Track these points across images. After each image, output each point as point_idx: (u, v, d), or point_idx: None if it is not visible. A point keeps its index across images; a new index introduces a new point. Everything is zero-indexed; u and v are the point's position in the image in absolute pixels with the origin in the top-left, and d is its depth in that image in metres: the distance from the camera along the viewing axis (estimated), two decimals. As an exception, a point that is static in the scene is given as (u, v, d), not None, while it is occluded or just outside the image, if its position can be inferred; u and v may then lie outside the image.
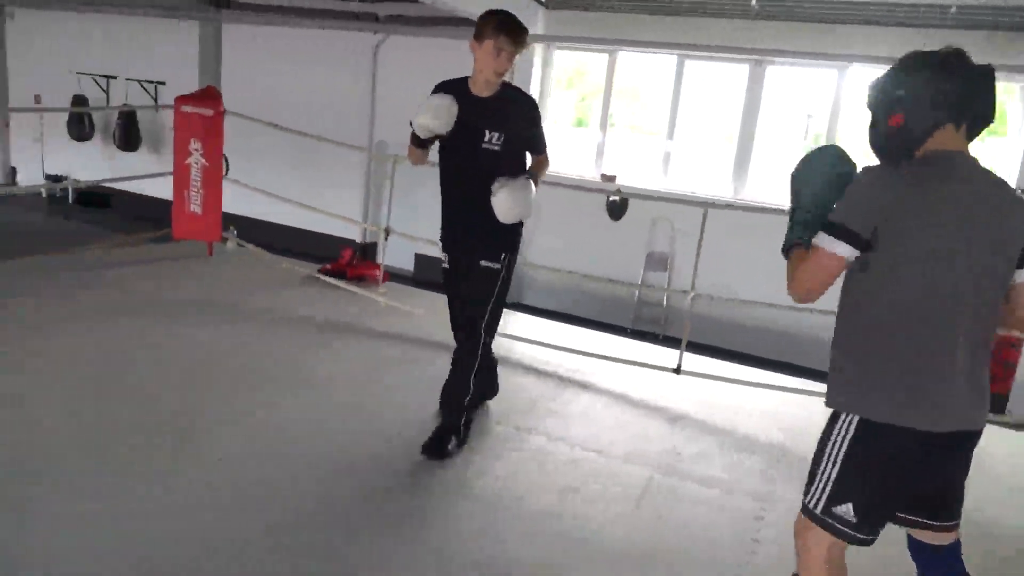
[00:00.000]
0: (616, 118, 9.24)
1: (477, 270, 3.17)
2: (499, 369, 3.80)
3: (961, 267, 1.69)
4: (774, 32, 7.59)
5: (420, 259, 9.09)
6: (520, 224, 3.21)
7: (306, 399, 3.69)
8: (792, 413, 4.13)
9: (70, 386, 3.52)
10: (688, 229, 7.95)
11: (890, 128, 1.79)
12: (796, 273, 1.84)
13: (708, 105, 8.82)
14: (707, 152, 9.08)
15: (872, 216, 1.71)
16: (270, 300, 5.16)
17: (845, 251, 1.74)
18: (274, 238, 7.35)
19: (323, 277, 5.65)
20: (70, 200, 12.65)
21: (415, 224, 5.70)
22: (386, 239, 5.37)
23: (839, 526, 1.78)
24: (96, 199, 12.29)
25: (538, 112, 3.19)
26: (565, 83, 9.70)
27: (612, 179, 8.70)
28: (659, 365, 4.58)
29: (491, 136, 3.04)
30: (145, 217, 10.90)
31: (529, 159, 3.26)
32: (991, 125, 1.82)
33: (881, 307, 1.75)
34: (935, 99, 1.73)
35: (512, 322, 5.42)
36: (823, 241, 1.76)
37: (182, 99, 5.18)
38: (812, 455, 1.88)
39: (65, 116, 11.92)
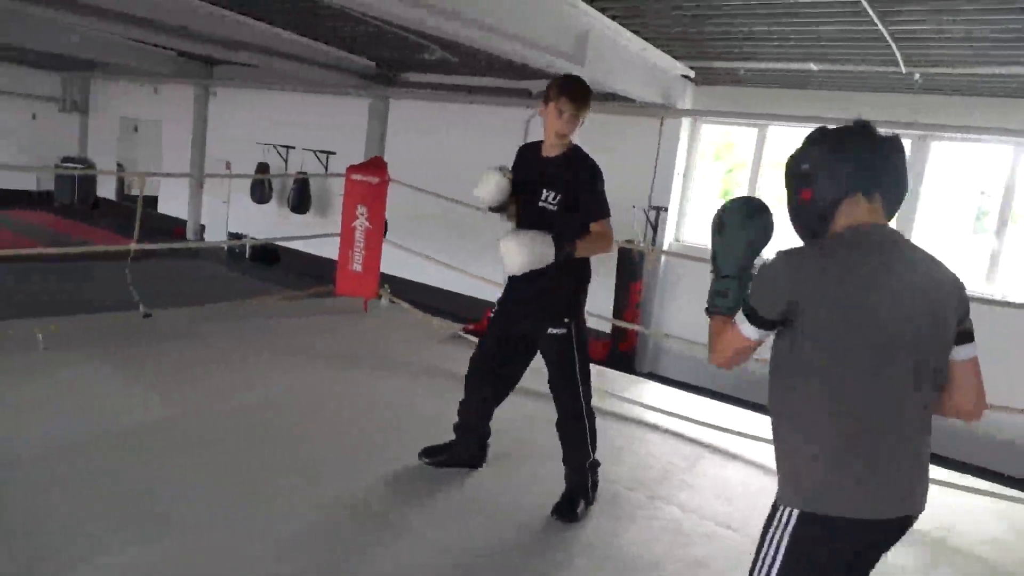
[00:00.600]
0: (765, 191, 9.10)
1: (547, 340, 3.19)
2: (633, 434, 3.80)
3: (888, 347, 1.59)
4: (939, 106, 7.28)
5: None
6: (578, 288, 3.20)
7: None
8: (945, 511, 3.80)
9: (221, 420, 3.89)
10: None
11: (800, 202, 1.76)
12: (714, 343, 1.84)
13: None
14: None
15: (780, 302, 1.64)
16: (416, 354, 5.46)
17: (754, 334, 1.71)
18: (423, 297, 7.78)
19: (466, 336, 5.91)
20: (247, 255, 13.99)
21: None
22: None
23: None
24: (268, 255, 13.55)
25: (594, 177, 3.09)
26: (712, 156, 9.71)
27: (757, 253, 8.53)
28: None
29: (547, 195, 3.08)
30: (308, 273, 11.91)
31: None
32: (905, 196, 1.76)
33: (812, 393, 1.63)
34: (837, 170, 1.69)
35: (646, 391, 5.41)
36: (742, 326, 1.73)
37: (353, 168, 5.74)
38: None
39: (249, 180, 13.34)
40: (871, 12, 5.10)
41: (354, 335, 5.83)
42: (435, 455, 3.56)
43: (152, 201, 16.97)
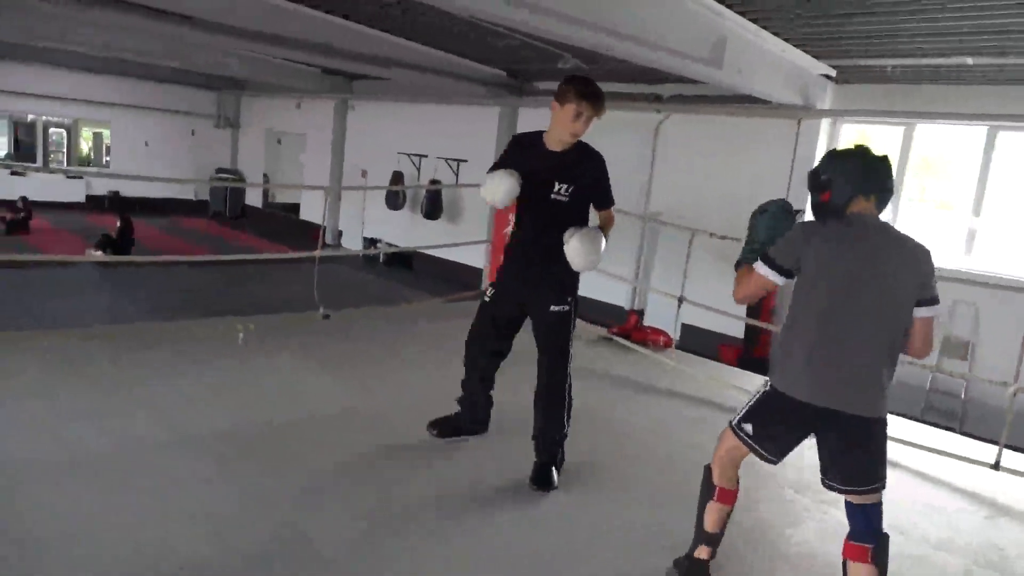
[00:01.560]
0: (907, 192, 8.70)
1: (548, 316, 3.38)
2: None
3: (856, 289, 2.39)
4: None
5: (686, 328, 9.21)
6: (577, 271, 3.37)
7: (611, 447, 4.03)
8: None
9: (404, 409, 4.21)
10: (996, 314, 7.22)
11: (821, 202, 2.51)
12: (740, 285, 2.64)
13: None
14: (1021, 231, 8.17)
15: (794, 254, 2.47)
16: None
17: (773, 276, 2.51)
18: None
19: (615, 337, 6.06)
20: (381, 260, 14.73)
21: (681, 291, 5.86)
22: (679, 307, 5.61)
23: (741, 435, 2.59)
24: (401, 260, 14.21)
25: (605, 168, 3.36)
26: (848, 156, 9.38)
27: (904, 256, 8.19)
28: (972, 458, 4.26)
29: (560, 187, 3.24)
30: (442, 277, 12.44)
31: (594, 215, 3.41)
32: (891, 196, 2.55)
33: (799, 312, 2.50)
34: (847, 179, 2.47)
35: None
36: (760, 268, 2.53)
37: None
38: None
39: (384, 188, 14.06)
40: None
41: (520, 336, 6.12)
42: (440, 427, 3.79)
43: (295, 208, 18.19)
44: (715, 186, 9.43)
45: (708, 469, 2.73)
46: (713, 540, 2.73)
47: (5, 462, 3.04)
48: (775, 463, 2.63)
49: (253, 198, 19.38)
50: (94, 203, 17.64)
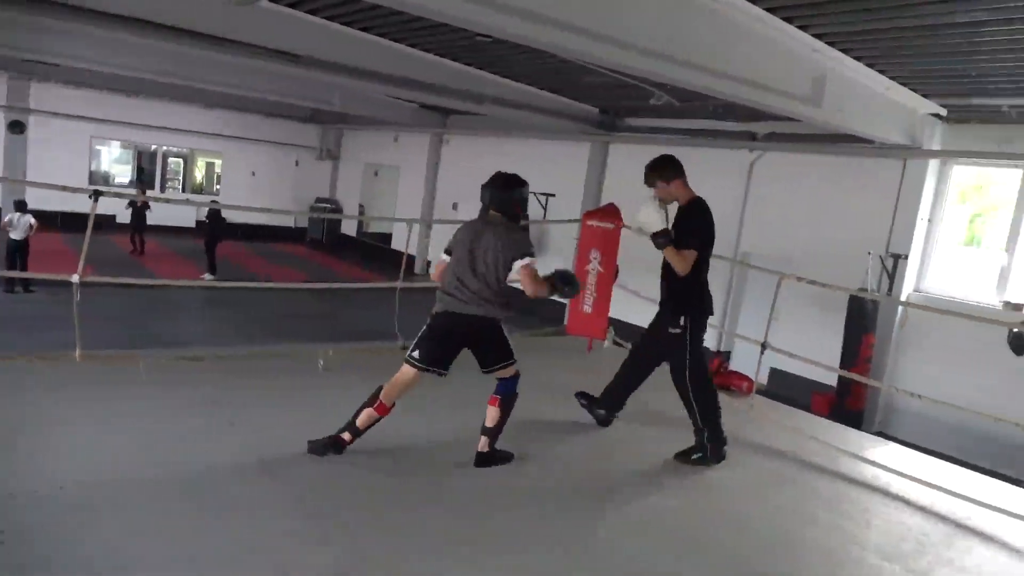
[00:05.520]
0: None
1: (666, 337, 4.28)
2: (882, 503, 3.56)
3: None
4: None
5: (775, 373, 8.82)
6: (692, 292, 4.23)
7: (696, 501, 3.88)
8: None
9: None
10: None
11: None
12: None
13: None
14: None
15: None
16: (644, 396, 5.53)
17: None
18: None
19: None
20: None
21: (764, 336, 5.59)
22: (762, 352, 5.39)
23: (415, 361, 3.62)
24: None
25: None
26: (957, 198, 8.85)
27: (1019, 307, 7.61)
28: None
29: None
30: (526, 311, 12.46)
31: None
32: None
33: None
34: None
35: (888, 453, 5.02)
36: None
37: (589, 215, 5.99)
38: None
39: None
40: None
41: (580, 373, 6.01)
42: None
43: (386, 238, 18.73)
44: (811, 228, 9.08)
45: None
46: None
47: (102, 481, 3.20)
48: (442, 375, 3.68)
49: (348, 227, 20.09)
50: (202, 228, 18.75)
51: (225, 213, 13.99)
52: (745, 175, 9.96)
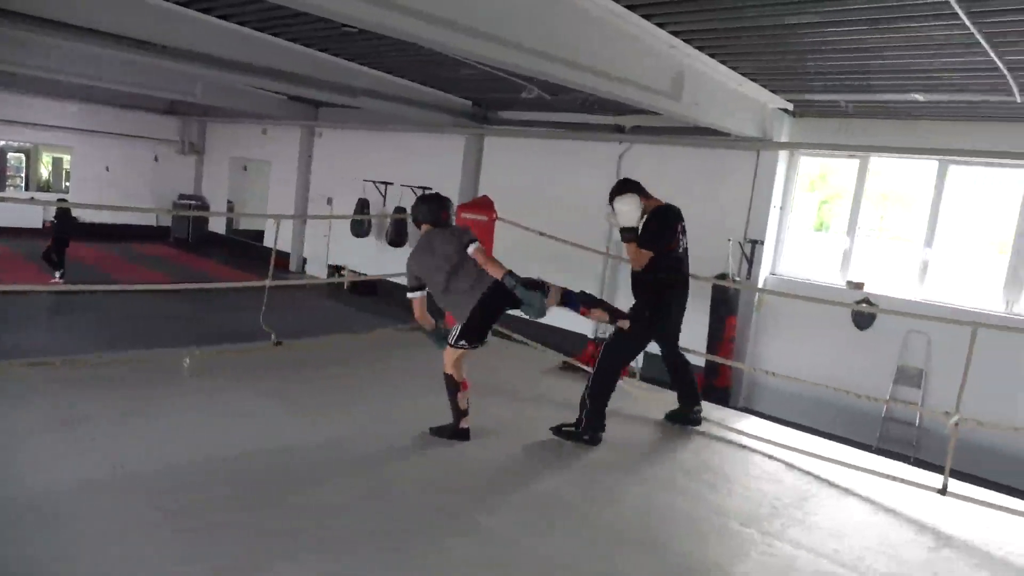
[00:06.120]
0: (863, 223, 8.88)
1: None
2: (741, 471, 3.82)
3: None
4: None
5: (650, 357, 9.18)
6: (647, 289, 4.64)
7: (574, 479, 3.99)
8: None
9: (358, 441, 4.14)
10: (948, 344, 7.34)
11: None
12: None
13: (975, 212, 8.20)
14: (972, 262, 8.37)
15: None
16: (526, 383, 5.64)
17: None
18: (523, 331, 7.96)
19: (575, 364, 6.04)
20: (345, 287, 14.60)
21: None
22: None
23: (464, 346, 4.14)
24: (366, 287, 14.09)
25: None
26: (807, 186, 9.56)
27: (860, 286, 8.33)
28: (921, 483, 4.30)
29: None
30: (405, 304, 12.35)
31: None
32: None
33: None
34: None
35: (748, 426, 5.37)
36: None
37: (463, 207, 6.03)
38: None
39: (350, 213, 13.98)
40: (986, 44, 5.01)
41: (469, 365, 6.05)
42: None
43: (258, 235, 18.00)
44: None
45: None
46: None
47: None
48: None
49: (217, 225, 19.15)
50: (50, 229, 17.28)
51: (77, 212, 12.96)
52: (615, 167, 10.30)
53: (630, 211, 4.52)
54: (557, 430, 4.53)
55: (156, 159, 19.02)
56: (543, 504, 3.64)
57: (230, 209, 18.63)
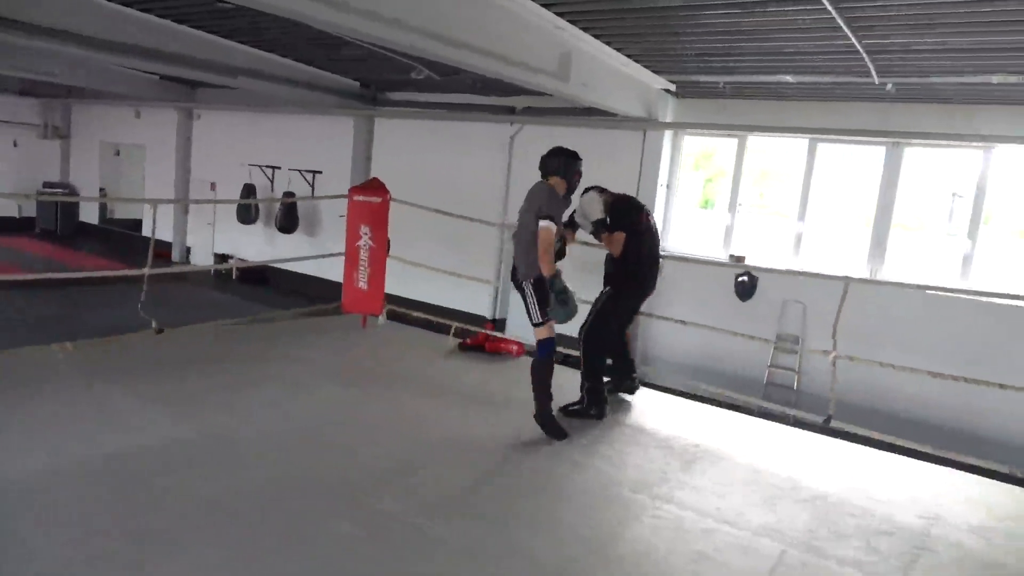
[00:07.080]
0: (744, 200, 9.32)
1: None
2: (633, 442, 3.96)
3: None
4: (912, 114, 7.54)
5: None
6: (618, 270, 5.07)
7: (460, 459, 3.99)
8: (930, 500, 4.00)
9: (239, 439, 4.00)
10: (821, 310, 7.84)
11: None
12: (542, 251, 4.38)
13: (842, 187, 8.77)
14: (840, 234, 8.96)
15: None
16: (420, 368, 5.59)
17: None
18: (420, 313, 7.90)
19: (469, 348, 6.05)
20: (234, 276, 14.00)
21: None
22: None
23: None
24: (256, 276, 13.56)
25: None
26: (692, 165, 9.93)
27: (741, 259, 8.74)
28: (805, 420, 4.69)
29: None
30: (298, 292, 11.99)
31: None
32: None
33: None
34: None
35: (639, 398, 5.56)
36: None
37: (355, 190, 5.87)
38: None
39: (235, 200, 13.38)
40: (846, 29, 5.33)
41: (357, 352, 5.94)
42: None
43: (136, 224, 16.96)
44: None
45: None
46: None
47: None
48: None
49: (89, 214, 17.88)
50: None
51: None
52: (507, 148, 10.35)
53: (594, 204, 5.06)
54: (565, 410, 4.84)
55: (15, 144, 17.51)
56: (439, 489, 3.64)
57: (103, 196, 17.43)
